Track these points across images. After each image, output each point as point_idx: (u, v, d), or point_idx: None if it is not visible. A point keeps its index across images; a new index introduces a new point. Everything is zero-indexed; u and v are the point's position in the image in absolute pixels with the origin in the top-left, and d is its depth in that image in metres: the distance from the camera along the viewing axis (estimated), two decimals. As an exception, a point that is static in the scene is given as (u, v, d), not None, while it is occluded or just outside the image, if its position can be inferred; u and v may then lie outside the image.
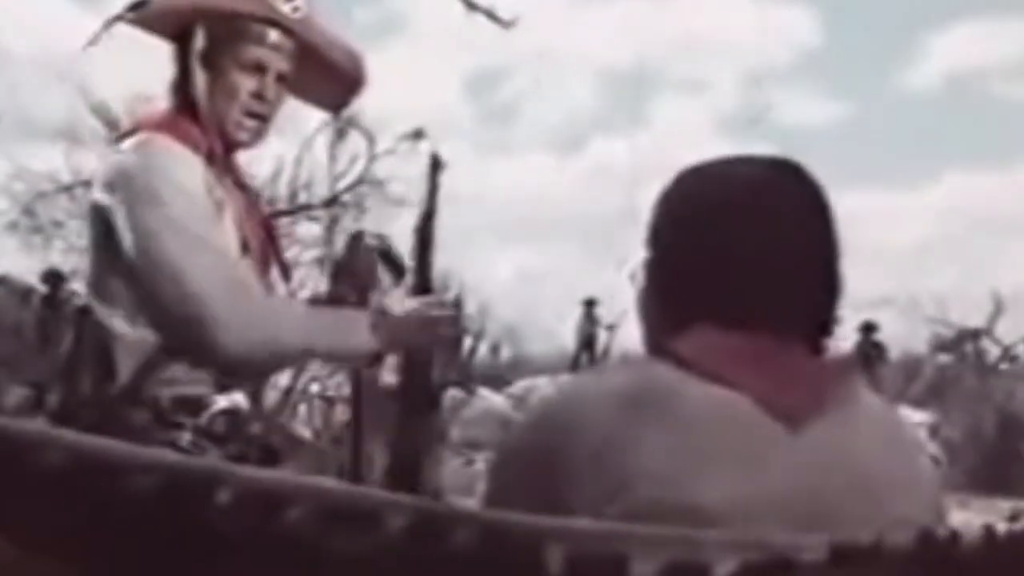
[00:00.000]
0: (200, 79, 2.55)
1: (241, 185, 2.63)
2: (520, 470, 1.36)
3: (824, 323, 1.44)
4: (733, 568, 0.85)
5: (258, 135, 2.63)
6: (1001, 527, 0.92)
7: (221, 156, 2.56)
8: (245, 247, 2.56)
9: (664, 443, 1.29)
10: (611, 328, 18.66)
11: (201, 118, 2.54)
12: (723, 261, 1.41)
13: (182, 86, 2.58)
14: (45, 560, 0.93)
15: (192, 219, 2.40)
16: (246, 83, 2.57)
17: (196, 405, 2.50)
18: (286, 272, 2.74)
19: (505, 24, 10.22)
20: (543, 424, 1.38)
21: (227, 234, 2.49)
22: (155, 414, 2.41)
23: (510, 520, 0.88)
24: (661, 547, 0.87)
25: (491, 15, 10.07)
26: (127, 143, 2.50)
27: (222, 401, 2.53)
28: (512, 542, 0.86)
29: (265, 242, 2.67)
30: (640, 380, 1.35)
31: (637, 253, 1.52)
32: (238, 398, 2.57)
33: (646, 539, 0.88)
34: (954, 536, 0.90)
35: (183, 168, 2.45)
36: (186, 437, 2.45)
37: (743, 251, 1.41)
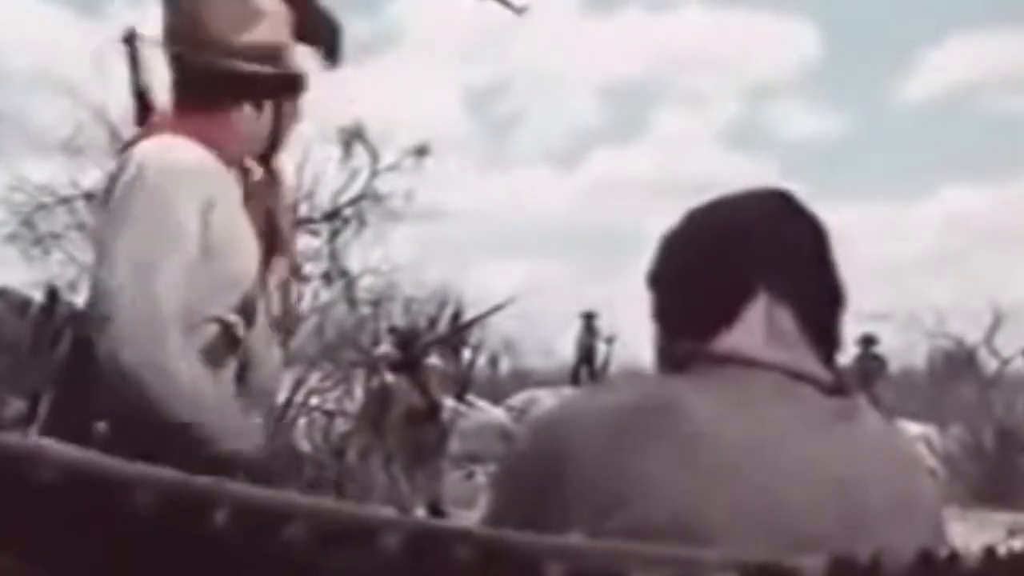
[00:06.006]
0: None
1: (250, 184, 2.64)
2: (521, 484, 1.37)
3: (831, 343, 1.46)
4: (733, 587, 0.85)
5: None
6: (1001, 546, 0.92)
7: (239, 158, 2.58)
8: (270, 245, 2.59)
9: (664, 459, 1.29)
10: (610, 340, 18.68)
11: (226, 123, 2.54)
12: (712, 269, 1.46)
13: (201, 87, 2.56)
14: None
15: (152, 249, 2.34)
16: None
17: None
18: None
19: (517, 10, 10.20)
20: (544, 439, 1.39)
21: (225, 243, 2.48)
22: None
23: (508, 538, 0.88)
24: (660, 566, 0.86)
25: (504, 1, 10.06)
26: (147, 143, 2.48)
27: None
28: (510, 560, 0.85)
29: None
30: (641, 395, 1.36)
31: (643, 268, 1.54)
32: None
33: (645, 558, 0.88)
34: (953, 556, 0.90)
35: (185, 186, 2.41)
36: None
37: (729, 260, 1.45)
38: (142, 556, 0.92)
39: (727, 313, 1.41)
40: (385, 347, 11.61)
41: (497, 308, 13.03)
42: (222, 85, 2.54)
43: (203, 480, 0.94)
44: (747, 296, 1.42)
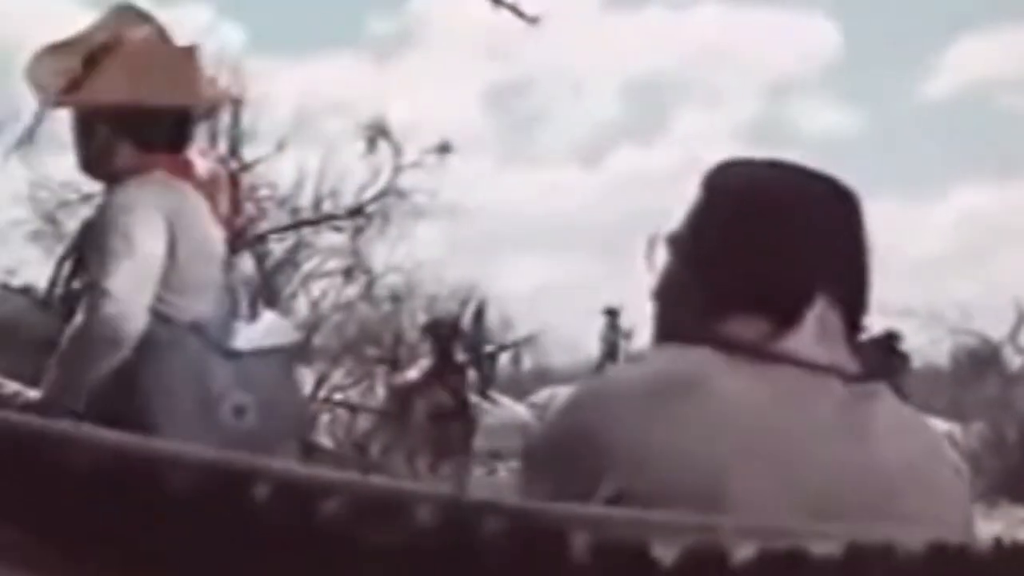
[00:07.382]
0: None
1: None
2: (552, 454, 1.41)
3: (855, 327, 1.49)
4: (751, 555, 0.87)
5: None
6: (1009, 539, 0.94)
7: None
8: None
9: (688, 429, 1.32)
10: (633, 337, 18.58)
11: None
12: (776, 260, 1.47)
13: None
14: (85, 560, 0.95)
15: None
16: None
17: None
18: None
19: (531, 20, 10.19)
20: (575, 405, 1.45)
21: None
22: None
23: (535, 508, 0.91)
24: (681, 533, 0.89)
25: (516, 11, 10.04)
26: None
27: None
28: (538, 530, 0.88)
29: None
30: (672, 368, 1.39)
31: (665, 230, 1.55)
32: None
33: (666, 525, 0.91)
34: (963, 547, 0.92)
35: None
36: None
37: (794, 255, 1.47)
38: (183, 533, 0.94)
39: (790, 315, 1.43)
40: (414, 372, 11.52)
41: (525, 341, 12.96)
42: None
43: (242, 457, 0.97)
44: (810, 299, 1.43)
